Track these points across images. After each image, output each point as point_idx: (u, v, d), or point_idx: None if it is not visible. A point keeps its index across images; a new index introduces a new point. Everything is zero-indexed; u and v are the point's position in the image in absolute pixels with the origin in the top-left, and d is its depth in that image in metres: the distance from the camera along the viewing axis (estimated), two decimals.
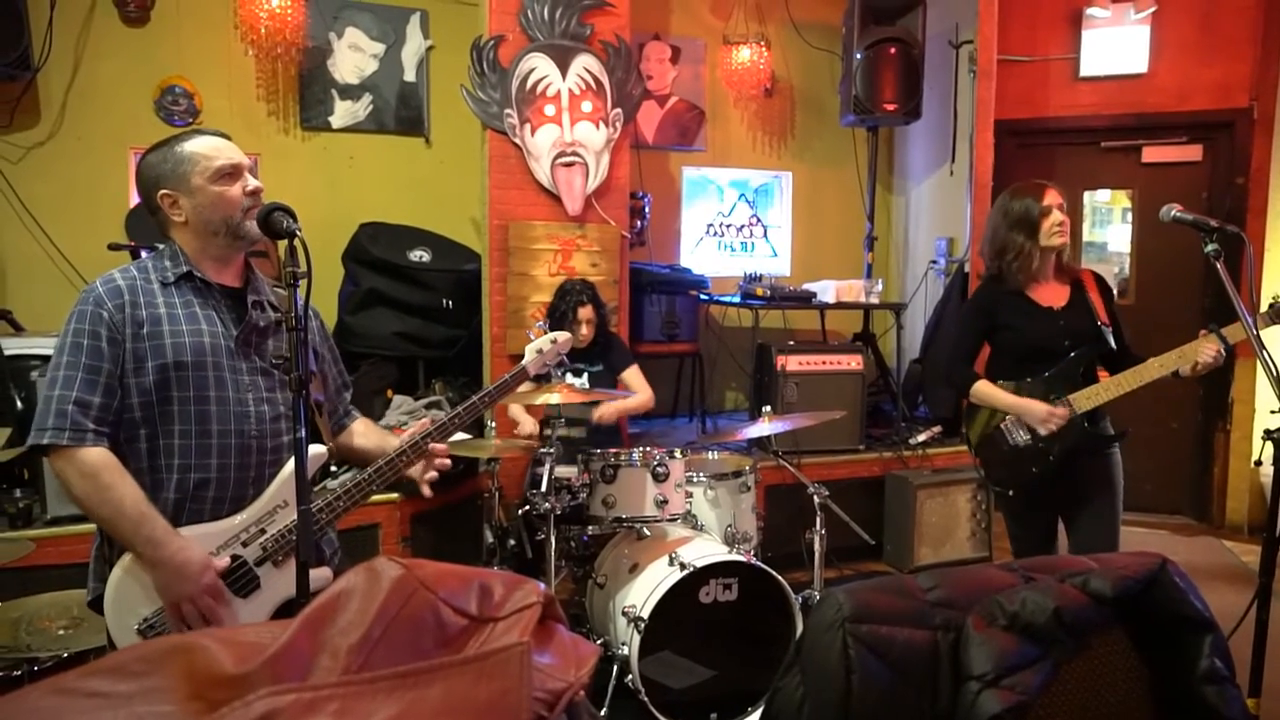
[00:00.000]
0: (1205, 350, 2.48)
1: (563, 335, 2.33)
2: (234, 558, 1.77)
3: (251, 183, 1.81)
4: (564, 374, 3.10)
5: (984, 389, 2.81)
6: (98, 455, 1.69)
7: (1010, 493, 2.82)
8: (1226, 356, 2.58)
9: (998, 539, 4.69)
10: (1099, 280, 2.82)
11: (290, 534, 1.79)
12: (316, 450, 1.85)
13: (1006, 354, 2.81)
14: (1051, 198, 2.70)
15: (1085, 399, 2.66)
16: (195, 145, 1.79)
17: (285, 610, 1.78)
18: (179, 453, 1.75)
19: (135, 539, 1.68)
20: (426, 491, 1.99)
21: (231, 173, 1.79)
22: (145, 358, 1.73)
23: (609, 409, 3.59)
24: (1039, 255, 2.71)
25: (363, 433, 2.12)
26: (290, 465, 1.75)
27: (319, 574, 1.71)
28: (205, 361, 1.77)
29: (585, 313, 3.66)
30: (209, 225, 1.79)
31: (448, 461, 2.01)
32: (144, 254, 3.49)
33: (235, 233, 1.79)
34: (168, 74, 4.40)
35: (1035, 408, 2.69)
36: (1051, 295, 2.77)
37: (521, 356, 4.00)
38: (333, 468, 1.94)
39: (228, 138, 1.85)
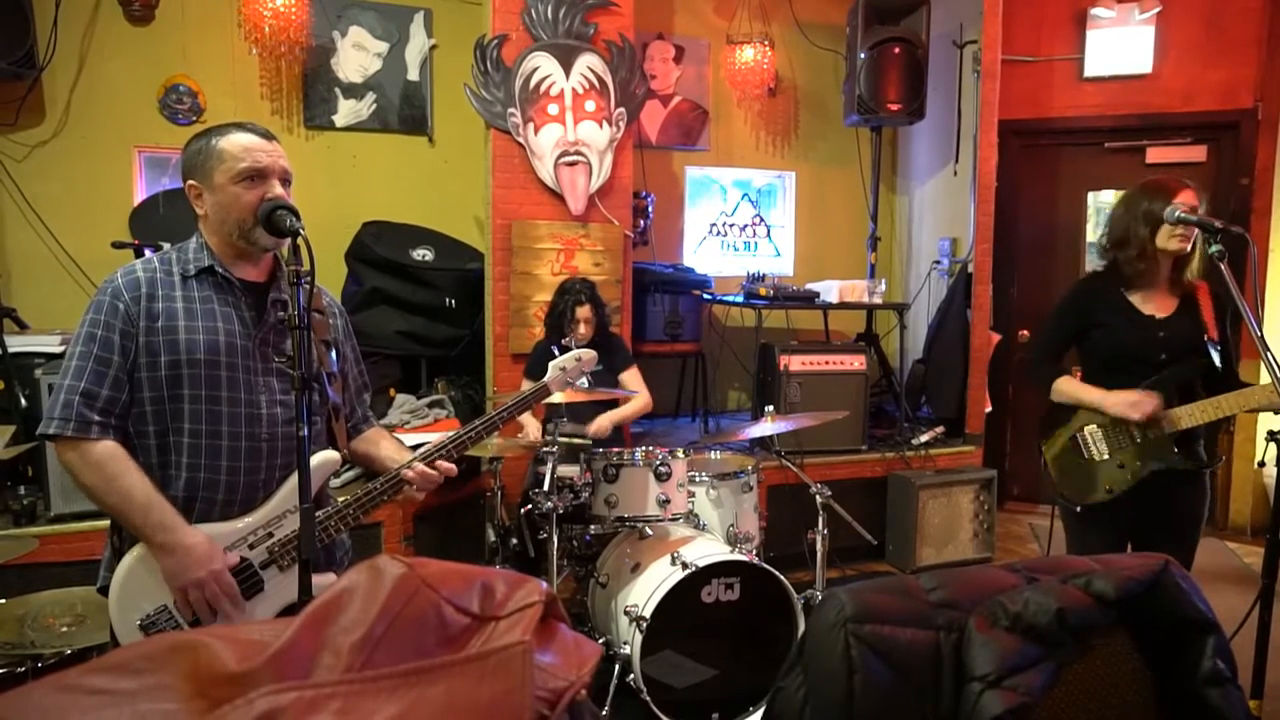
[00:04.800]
0: None
1: (587, 353, 2.33)
2: (240, 559, 1.76)
3: (274, 190, 1.77)
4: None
5: (1067, 384, 2.62)
6: (103, 448, 1.70)
7: (1077, 509, 2.62)
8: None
9: (1000, 540, 4.69)
10: (1214, 295, 2.58)
11: (297, 538, 1.77)
12: (329, 455, 1.84)
13: (1095, 357, 2.63)
14: (1185, 198, 2.47)
15: (1180, 417, 2.45)
16: (227, 142, 1.77)
17: (288, 614, 1.77)
18: (188, 451, 1.75)
19: (145, 525, 1.68)
20: (413, 493, 1.91)
21: (254, 177, 1.76)
22: (159, 352, 1.73)
23: (604, 420, 3.60)
24: (1157, 255, 2.50)
25: (377, 442, 2.08)
26: None
27: (322, 579, 1.68)
28: (219, 360, 1.76)
29: (583, 312, 3.67)
30: (224, 225, 1.79)
31: (439, 477, 1.93)
32: (148, 252, 3.52)
33: (247, 238, 1.78)
34: (172, 73, 4.41)
35: (1122, 395, 2.47)
36: (1157, 304, 2.56)
37: (525, 356, 4.07)
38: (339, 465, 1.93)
39: (271, 137, 1.82)
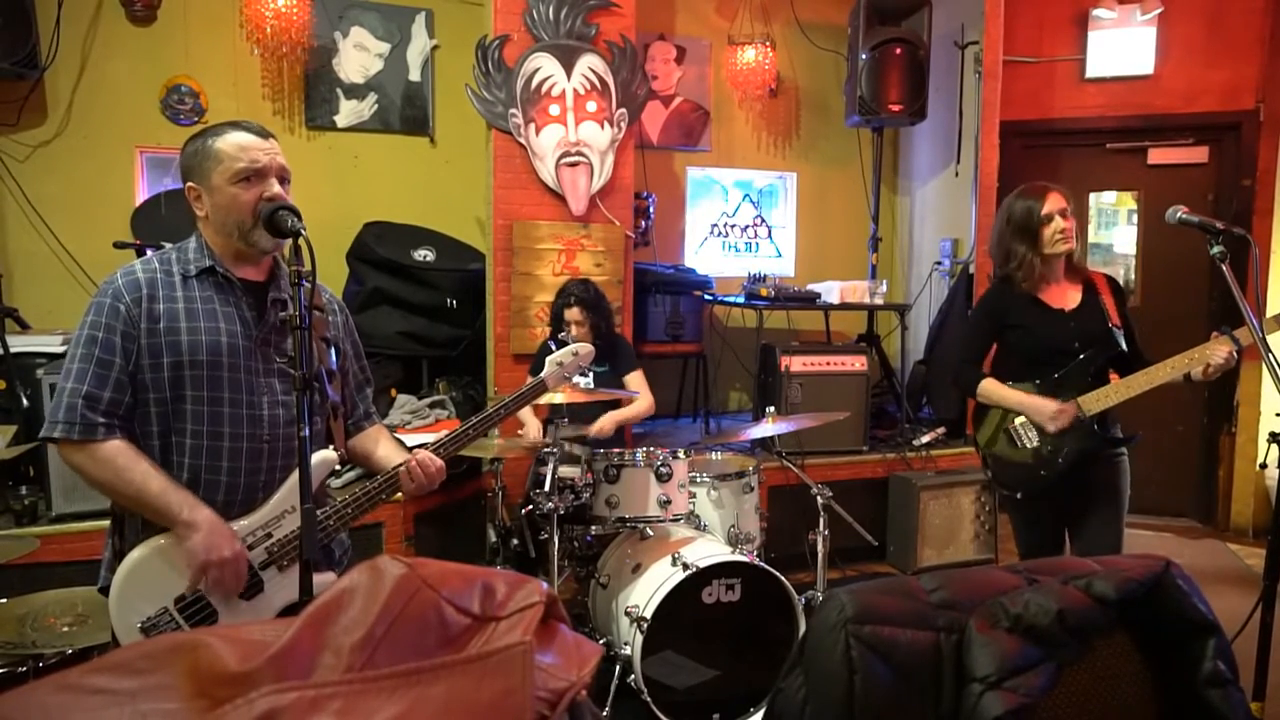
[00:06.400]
0: (1218, 352, 2.42)
1: (584, 348, 2.32)
2: None
3: (272, 189, 1.77)
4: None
5: (991, 387, 2.77)
6: (111, 446, 1.70)
7: (1018, 495, 2.77)
8: (1236, 360, 2.55)
9: (1002, 541, 4.68)
10: (1111, 282, 2.77)
11: (296, 539, 1.77)
12: (327, 455, 1.83)
13: (1016, 354, 2.77)
14: (1053, 203, 2.63)
15: (1095, 401, 2.61)
16: (223, 142, 1.76)
17: (288, 614, 1.77)
18: (190, 452, 1.75)
19: (168, 506, 1.69)
20: (412, 490, 1.89)
21: (251, 176, 1.76)
22: (161, 353, 1.73)
23: (606, 421, 3.58)
24: (1040, 263, 2.67)
25: (377, 440, 2.07)
26: None
27: (321, 579, 1.68)
28: (221, 361, 1.76)
29: (572, 314, 3.64)
30: (224, 225, 1.78)
31: (429, 481, 1.91)
32: (149, 252, 3.52)
33: (247, 239, 1.78)
34: (174, 73, 4.42)
35: (1042, 404, 2.64)
36: (1062, 296, 2.72)
37: (526, 357, 4.07)
38: (337, 466, 1.92)
39: (268, 135, 1.81)
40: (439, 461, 1.91)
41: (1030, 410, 2.68)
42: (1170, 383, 2.55)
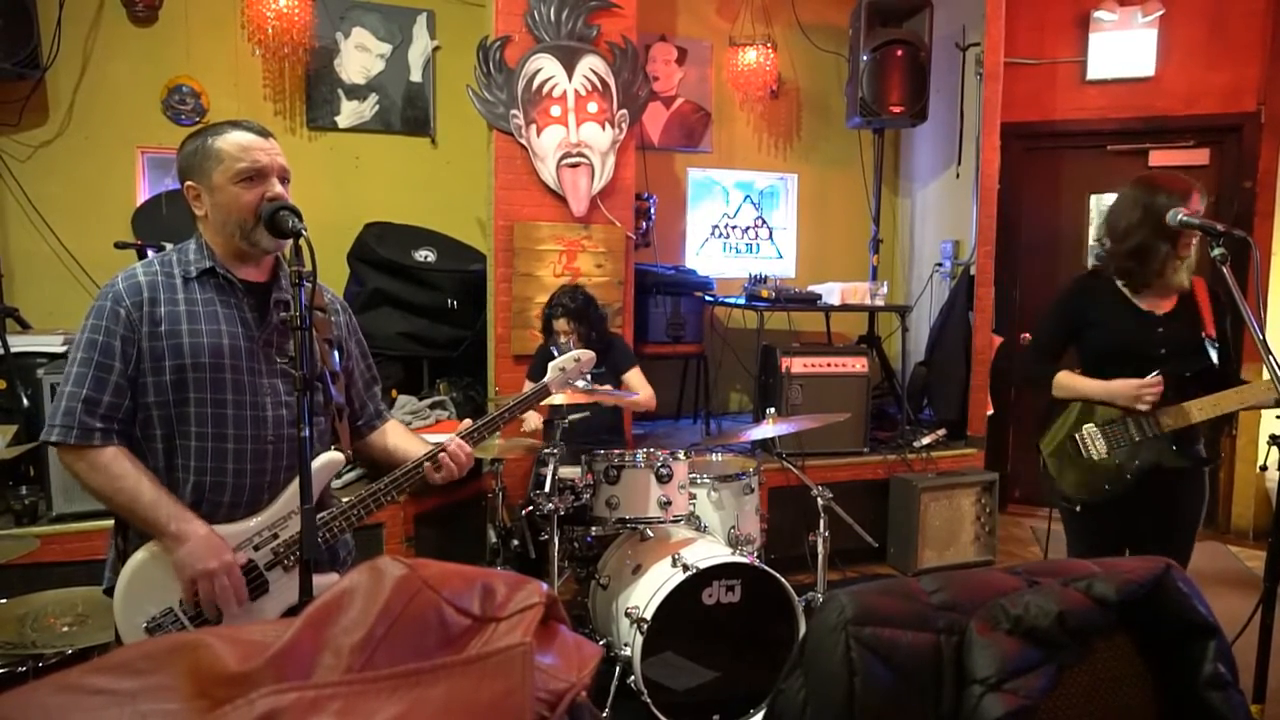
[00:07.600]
0: None
1: (586, 354, 2.35)
2: (246, 560, 1.76)
3: (274, 189, 1.76)
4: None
5: (1067, 379, 2.59)
6: (107, 454, 1.70)
7: (1077, 509, 2.61)
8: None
9: (1002, 542, 4.68)
10: (1212, 292, 2.57)
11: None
12: (332, 456, 1.84)
13: (1093, 354, 2.60)
14: (1194, 206, 2.42)
15: (1178, 415, 2.44)
16: (224, 141, 1.76)
17: (292, 615, 1.76)
18: (195, 455, 1.75)
19: (157, 517, 1.69)
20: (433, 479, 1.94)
21: (253, 176, 1.75)
22: (163, 357, 1.73)
23: (607, 393, 3.56)
24: (1164, 262, 2.45)
25: (399, 434, 2.09)
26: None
27: (324, 580, 1.69)
28: (223, 364, 1.75)
29: (560, 324, 3.66)
30: (225, 225, 1.78)
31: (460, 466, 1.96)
32: (150, 252, 3.52)
33: (248, 239, 1.77)
34: (175, 73, 4.42)
35: (1124, 385, 2.45)
36: (1154, 300, 2.54)
37: (527, 358, 4.07)
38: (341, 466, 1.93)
39: (268, 134, 1.81)
40: (468, 448, 1.95)
41: (1115, 396, 2.48)
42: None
